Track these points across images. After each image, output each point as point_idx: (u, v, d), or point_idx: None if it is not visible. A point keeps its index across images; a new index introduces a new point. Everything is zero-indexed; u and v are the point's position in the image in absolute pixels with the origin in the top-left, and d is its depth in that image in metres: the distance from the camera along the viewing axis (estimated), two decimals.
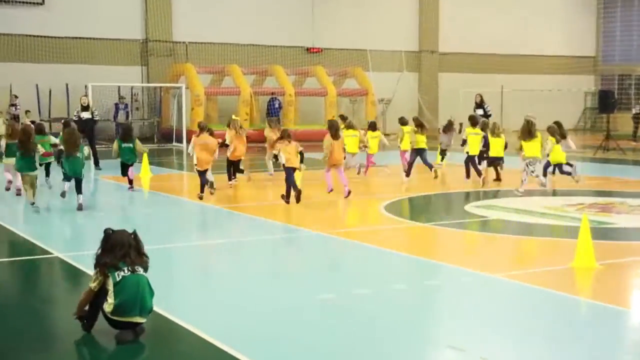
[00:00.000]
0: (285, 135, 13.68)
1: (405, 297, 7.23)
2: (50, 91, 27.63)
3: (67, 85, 27.67)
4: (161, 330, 6.07)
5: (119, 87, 28.81)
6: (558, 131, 15.34)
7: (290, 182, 12.88)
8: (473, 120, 16.24)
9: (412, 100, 35.31)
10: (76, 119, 19.05)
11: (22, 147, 12.19)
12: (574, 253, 8.41)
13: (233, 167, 15.30)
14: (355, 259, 9.10)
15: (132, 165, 14.75)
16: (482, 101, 21.90)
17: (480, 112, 21.27)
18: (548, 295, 7.31)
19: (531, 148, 14.24)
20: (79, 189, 12.26)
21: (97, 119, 19.90)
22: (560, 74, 38.66)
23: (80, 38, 28.95)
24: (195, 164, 13.75)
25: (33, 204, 12.16)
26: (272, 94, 29.69)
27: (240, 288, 7.53)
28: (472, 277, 7.97)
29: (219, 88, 29.90)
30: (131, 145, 14.73)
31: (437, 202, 14.36)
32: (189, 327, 6.11)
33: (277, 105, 29.49)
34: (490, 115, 21.63)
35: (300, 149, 13.42)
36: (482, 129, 16.00)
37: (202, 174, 13.61)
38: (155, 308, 6.24)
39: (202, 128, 14.19)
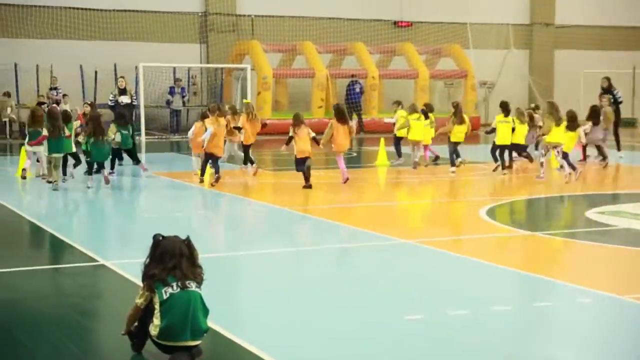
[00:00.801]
0: (297, 121, 15.36)
1: (510, 321, 7.12)
2: (95, 73, 28.44)
3: (115, 65, 28.44)
4: (221, 352, 6.16)
5: (174, 68, 29.41)
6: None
7: (300, 170, 15.21)
8: (505, 108, 17.38)
9: (521, 84, 34.69)
10: (112, 103, 19.46)
11: (51, 129, 14.68)
12: None
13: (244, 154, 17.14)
14: (451, 273, 9.02)
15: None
16: (610, 86, 21.27)
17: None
18: None
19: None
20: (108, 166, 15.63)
21: (135, 103, 20.32)
22: None
23: (129, 11, 29.71)
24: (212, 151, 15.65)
25: (54, 182, 14.60)
26: (353, 76, 29.74)
27: (312, 304, 7.56)
28: (593, 298, 7.78)
29: (289, 69, 30.16)
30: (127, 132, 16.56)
31: (551, 206, 14.10)
32: (253, 348, 6.18)
33: (357, 90, 29.52)
34: (621, 102, 21.08)
35: (313, 134, 15.27)
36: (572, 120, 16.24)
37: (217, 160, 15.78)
38: (214, 326, 6.34)
39: (214, 110, 16.24)
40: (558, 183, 16.07)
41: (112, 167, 16.61)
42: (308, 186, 14.94)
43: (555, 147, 16.31)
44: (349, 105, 29.34)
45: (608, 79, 21.65)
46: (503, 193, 15.32)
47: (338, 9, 32.05)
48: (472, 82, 31.32)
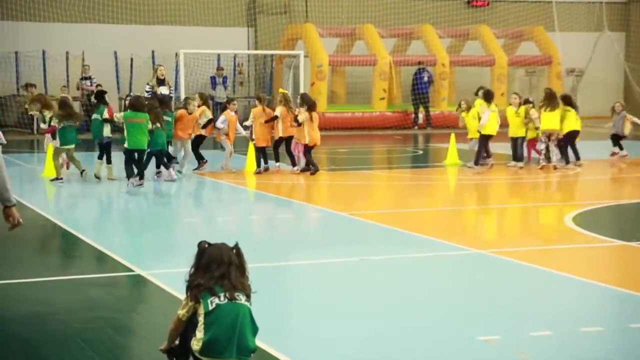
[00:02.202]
0: (309, 104, 16.79)
1: (602, 344, 7.06)
2: (131, 60, 28.83)
3: (153, 52, 28.82)
4: None
5: (218, 54, 29.65)
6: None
7: (307, 158, 16.97)
8: (488, 95, 18.49)
9: (615, 71, 34.18)
10: (149, 95, 19.67)
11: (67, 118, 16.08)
12: None
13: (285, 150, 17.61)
14: (531, 289, 8.97)
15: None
16: None
17: None
18: None
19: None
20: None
21: (172, 95, 20.52)
22: None
23: None
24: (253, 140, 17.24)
25: (83, 171, 16.20)
26: (420, 63, 29.63)
27: (372, 322, 7.59)
28: None
29: (348, 56, 30.22)
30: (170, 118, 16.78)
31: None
32: None
33: (426, 79, 29.41)
34: None
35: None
36: None
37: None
38: (261, 344, 6.42)
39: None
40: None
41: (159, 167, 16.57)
42: (316, 170, 16.91)
43: (550, 134, 17.73)
44: (416, 97, 29.30)
45: None
46: (592, 197, 15.14)
47: None
48: (558, 70, 30.96)
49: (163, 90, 19.60)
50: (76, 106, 27.55)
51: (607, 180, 17.01)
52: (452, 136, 19.69)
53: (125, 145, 15.49)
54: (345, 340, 7.13)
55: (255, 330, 5.86)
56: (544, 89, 19.21)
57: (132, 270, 9.47)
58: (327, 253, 10.63)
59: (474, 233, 11.84)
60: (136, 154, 15.50)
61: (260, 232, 12.42)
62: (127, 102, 16.94)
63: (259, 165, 17.27)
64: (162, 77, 19.87)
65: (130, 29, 29.32)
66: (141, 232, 12.13)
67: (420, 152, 22.42)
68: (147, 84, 20.22)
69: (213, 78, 29.47)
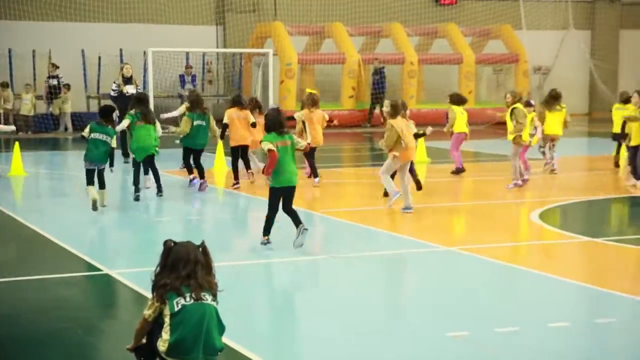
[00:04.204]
0: (308, 102, 15.46)
1: (567, 338, 7.10)
2: (99, 59, 28.65)
3: (121, 51, 28.65)
4: None
5: (186, 53, 29.54)
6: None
7: (312, 163, 15.63)
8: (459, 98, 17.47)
9: (581, 69, 34.45)
10: (115, 94, 19.52)
11: None
12: None
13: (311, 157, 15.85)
14: (499, 285, 9.01)
15: (202, 151, 15.18)
16: None
17: None
18: None
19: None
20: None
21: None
22: None
23: None
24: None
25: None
26: (376, 59, 29.30)
27: (342, 319, 7.59)
28: None
29: (317, 54, 30.22)
30: (204, 122, 15.01)
31: (618, 208, 14.01)
32: None
33: (378, 78, 29.05)
34: None
35: (327, 117, 15.80)
36: None
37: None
38: (229, 341, 6.39)
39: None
40: (612, 182, 15.97)
41: (202, 177, 15.02)
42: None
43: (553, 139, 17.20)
44: (373, 95, 29.04)
45: None
46: (556, 194, 15.24)
47: None
48: (525, 68, 31.16)
49: (130, 89, 19.41)
50: (42, 105, 27.48)
51: (573, 177, 17.12)
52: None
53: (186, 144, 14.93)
54: (313, 337, 7.12)
55: (221, 329, 5.85)
56: (550, 90, 18.06)
57: (100, 270, 9.41)
58: (296, 251, 10.60)
59: (443, 230, 11.86)
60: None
61: (228, 230, 12.38)
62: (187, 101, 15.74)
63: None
64: (128, 76, 19.67)
65: (98, 27, 29.13)
66: (109, 232, 12.04)
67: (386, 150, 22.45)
68: (114, 82, 20.05)
69: (182, 76, 29.35)
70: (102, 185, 12.88)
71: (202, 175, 14.91)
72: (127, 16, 29.68)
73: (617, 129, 17.16)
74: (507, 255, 10.25)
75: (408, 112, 13.90)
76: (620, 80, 34.64)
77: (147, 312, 5.84)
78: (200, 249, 5.92)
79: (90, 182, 12.70)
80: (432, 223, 12.04)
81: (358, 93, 29.29)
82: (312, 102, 15.73)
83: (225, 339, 5.92)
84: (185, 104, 16.01)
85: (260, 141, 10.34)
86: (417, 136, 13.39)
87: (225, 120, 15.32)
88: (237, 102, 15.58)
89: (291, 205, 10.25)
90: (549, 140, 17.26)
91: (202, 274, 5.83)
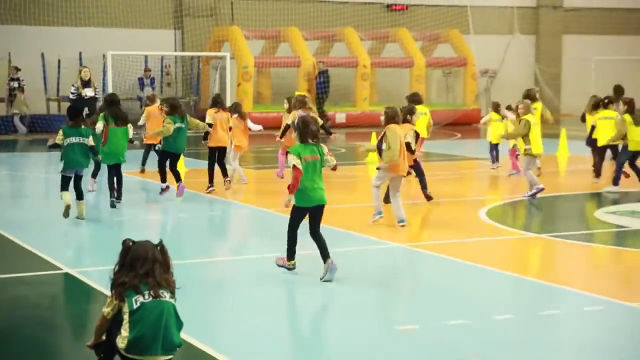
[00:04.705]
0: (297, 104, 14.45)
1: (512, 331, 7.18)
2: (59, 62, 28.37)
3: (80, 54, 28.38)
4: None
5: (145, 56, 29.36)
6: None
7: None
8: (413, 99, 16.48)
9: (525, 73, 34.80)
10: (74, 97, 19.33)
11: None
12: None
13: None
14: (448, 280, 9.07)
15: (180, 155, 14.35)
16: None
17: None
18: None
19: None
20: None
21: (98, 96, 20.20)
22: None
23: None
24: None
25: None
26: (320, 62, 29.22)
27: (297, 315, 7.60)
28: (603, 305, 7.86)
29: (273, 58, 30.18)
30: (183, 124, 13.94)
31: (558, 206, 14.17)
32: None
33: (321, 80, 28.96)
34: None
35: (321, 122, 14.37)
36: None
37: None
38: (188, 338, 6.37)
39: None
40: (560, 181, 16.18)
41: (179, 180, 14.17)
42: None
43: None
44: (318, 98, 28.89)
45: None
46: (504, 192, 15.39)
47: None
48: (473, 71, 31.40)
49: (88, 91, 19.26)
50: (2, 107, 27.11)
51: (519, 176, 17.28)
52: (373, 135, 19.79)
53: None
54: (268, 330, 7.12)
55: (180, 325, 5.83)
56: (526, 90, 17.50)
57: (60, 269, 9.32)
58: (252, 249, 10.60)
59: (394, 227, 11.91)
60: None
61: (186, 229, 12.33)
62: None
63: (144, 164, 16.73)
64: (86, 79, 19.49)
65: (57, 31, 28.81)
66: (69, 231, 11.90)
67: (343, 150, 22.46)
68: (73, 85, 19.84)
69: (141, 79, 29.19)
70: (80, 196, 11.89)
71: (178, 178, 14.00)
72: (87, 20, 29.39)
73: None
74: (456, 251, 10.33)
75: (415, 117, 12.80)
76: (563, 84, 35.08)
77: (106, 310, 5.80)
78: (158, 247, 5.90)
79: (65, 187, 11.80)
80: (383, 220, 12.09)
81: (312, 95, 29.26)
82: (300, 104, 14.94)
83: (183, 335, 5.91)
84: (143, 116, 15.98)
85: (286, 152, 9.28)
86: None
87: (209, 120, 14.70)
88: (217, 103, 15.07)
89: (319, 228, 8.88)
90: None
91: (160, 272, 5.81)
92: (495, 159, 17.49)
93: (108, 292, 5.86)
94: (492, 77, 33.77)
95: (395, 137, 11.25)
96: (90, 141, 11.72)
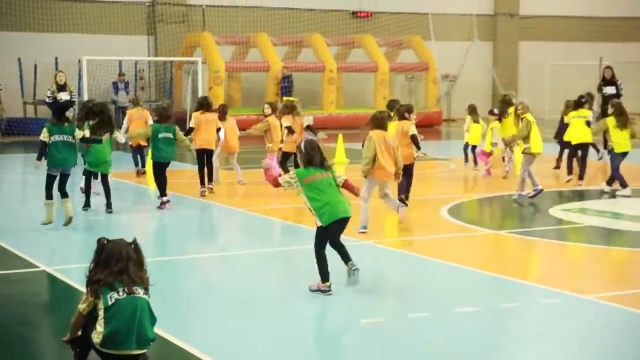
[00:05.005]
0: (287, 109, 14.43)
1: (473, 323, 7.20)
2: (35, 67, 28.10)
3: (56, 59, 28.12)
4: None
5: (119, 61, 29.17)
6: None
7: (284, 168, 14.34)
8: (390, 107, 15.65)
9: (484, 77, 35.03)
10: (50, 100, 19.17)
11: None
12: None
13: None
14: (411, 275, 9.09)
15: (168, 164, 13.33)
16: (613, 76, 21.06)
17: (610, 90, 20.54)
18: None
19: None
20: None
21: (75, 100, 20.02)
22: None
23: (72, 1, 29.37)
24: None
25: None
26: (285, 67, 29.16)
27: (267, 309, 7.57)
28: (559, 298, 7.91)
29: (243, 63, 30.10)
30: (171, 134, 13.12)
31: (514, 204, 14.26)
32: (204, 356, 6.19)
33: (285, 84, 28.96)
34: (621, 95, 20.77)
35: (307, 123, 14.68)
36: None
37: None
38: (163, 333, 6.33)
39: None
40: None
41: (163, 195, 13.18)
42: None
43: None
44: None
45: (612, 69, 21.24)
46: (464, 191, 15.46)
47: None
48: (434, 76, 31.54)
49: (63, 95, 19.09)
50: None
51: (479, 175, 17.36)
52: (340, 136, 19.80)
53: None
54: (234, 324, 7.09)
55: (153, 320, 5.80)
56: (503, 96, 17.28)
57: (37, 267, 9.21)
58: (224, 246, 10.55)
59: (357, 225, 11.89)
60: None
61: (160, 228, 12.24)
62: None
63: (136, 165, 16.55)
64: (62, 83, 19.32)
65: (34, 37, 28.53)
66: (46, 229, 11.74)
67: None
68: (49, 89, 19.66)
69: (115, 83, 28.98)
70: (64, 194, 11.15)
71: (163, 192, 13.05)
72: (63, 26, 29.14)
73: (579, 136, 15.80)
74: (419, 248, 10.36)
75: (413, 116, 12.29)
76: (519, 88, 35.32)
77: (82, 306, 5.76)
78: (132, 245, 5.86)
79: (49, 194, 11.08)
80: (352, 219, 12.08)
81: (278, 98, 29.20)
82: (289, 109, 14.76)
83: (157, 329, 5.86)
84: (126, 119, 15.95)
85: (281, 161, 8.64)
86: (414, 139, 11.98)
87: (191, 124, 14.32)
88: (202, 105, 14.59)
89: (339, 238, 8.22)
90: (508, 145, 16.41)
91: (134, 269, 5.78)
92: (469, 159, 17.51)
93: (83, 289, 5.82)
94: (453, 81, 33.94)
95: (370, 145, 10.73)
96: (77, 135, 11.14)
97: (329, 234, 8.05)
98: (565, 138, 16.11)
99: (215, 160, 15.27)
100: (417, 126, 12.48)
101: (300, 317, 7.35)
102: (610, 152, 14.85)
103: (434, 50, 31.62)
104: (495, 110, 16.96)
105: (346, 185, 8.27)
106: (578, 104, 15.89)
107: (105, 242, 5.85)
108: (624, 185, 14.26)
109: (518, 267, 9.59)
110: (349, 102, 31.40)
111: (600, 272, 9.38)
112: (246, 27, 31.10)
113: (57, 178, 11.18)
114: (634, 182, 14.94)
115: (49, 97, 19.23)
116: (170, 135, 13.04)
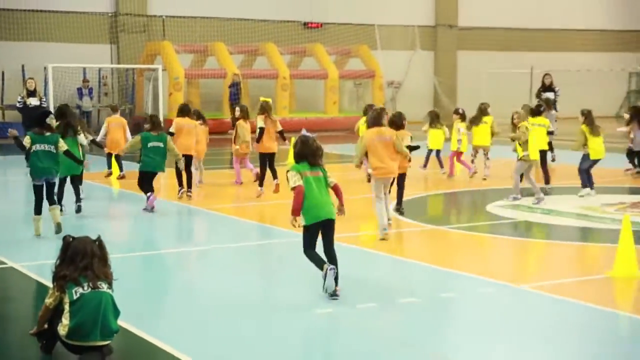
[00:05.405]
0: (261, 110, 13.87)
1: (416, 311, 7.29)
2: (2, 74, 27.69)
3: (22, 66, 27.72)
4: (133, 352, 6.13)
5: (84, 68, 28.86)
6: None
7: (264, 171, 14.06)
8: (535, 109, 15.52)
9: (426, 84, 35.34)
10: (21, 105, 18.91)
11: None
12: (613, 261, 8.46)
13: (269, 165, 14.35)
14: (359, 268, 9.14)
15: (156, 174, 12.84)
16: (552, 83, 21.30)
17: (549, 95, 20.77)
18: (582, 309, 7.37)
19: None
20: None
21: (45, 105, 19.77)
22: (601, 52, 38.67)
23: (37, 11, 29.00)
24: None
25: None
26: (235, 74, 29.00)
27: (223, 302, 7.57)
28: (494, 288, 8.03)
29: (201, 70, 29.96)
30: (161, 143, 12.64)
31: (454, 201, 14.41)
32: (166, 347, 6.18)
33: (233, 90, 28.81)
34: (557, 101, 20.86)
35: (280, 128, 14.23)
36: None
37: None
38: (126, 325, 6.31)
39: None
40: (463, 179, 16.46)
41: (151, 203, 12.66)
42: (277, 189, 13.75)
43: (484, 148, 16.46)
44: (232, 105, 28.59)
45: (551, 76, 21.41)
46: (411, 189, 15.58)
47: (249, 9, 32.00)
48: (380, 82, 31.70)
49: (33, 101, 18.83)
50: None
51: (423, 175, 17.49)
52: (293, 140, 19.75)
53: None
54: (195, 317, 7.08)
55: (117, 314, 5.79)
56: (480, 104, 16.87)
57: (5, 263, 9.09)
58: (184, 243, 10.50)
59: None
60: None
61: (123, 226, 12.14)
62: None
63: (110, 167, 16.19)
64: (31, 89, 19.07)
65: (1, 45, 28.11)
66: (14, 226, 11.58)
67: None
68: (19, 95, 19.37)
69: (80, 89, 28.69)
70: (52, 202, 10.44)
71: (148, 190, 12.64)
72: (29, 35, 28.76)
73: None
74: (365, 243, 10.41)
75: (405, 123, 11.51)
76: (458, 94, 35.71)
77: (49, 301, 5.73)
78: (97, 243, 5.85)
79: (38, 209, 10.39)
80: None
81: (226, 103, 29.13)
82: (261, 110, 14.06)
83: (120, 322, 5.84)
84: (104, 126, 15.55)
85: (287, 171, 7.85)
86: (410, 148, 11.08)
87: (172, 129, 13.81)
88: (184, 112, 14.21)
89: (332, 247, 7.70)
90: (478, 150, 16.60)
91: (98, 265, 5.77)
92: (444, 165, 17.00)
93: (50, 285, 5.78)
94: (397, 87, 34.18)
95: (359, 146, 10.51)
96: (62, 146, 10.40)
97: (313, 235, 7.68)
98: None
99: (200, 165, 15.35)
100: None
101: (253, 308, 7.36)
102: (583, 155, 14.32)
103: (380, 59, 31.82)
104: (460, 110, 16.94)
105: (335, 188, 7.89)
106: (536, 112, 15.26)
107: (71, 239, 5.83)
108: (591, 187, 14.07)
109: (455, 260, 9.70)
110: (301, 107, 31.47)
111: (532, 263, 9.54)
112: (204, 36, 30.99)
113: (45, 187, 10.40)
114: (566, 180, 15.21)
115: (19, 102, 19.01)
116: (160, 144, 12.58)
